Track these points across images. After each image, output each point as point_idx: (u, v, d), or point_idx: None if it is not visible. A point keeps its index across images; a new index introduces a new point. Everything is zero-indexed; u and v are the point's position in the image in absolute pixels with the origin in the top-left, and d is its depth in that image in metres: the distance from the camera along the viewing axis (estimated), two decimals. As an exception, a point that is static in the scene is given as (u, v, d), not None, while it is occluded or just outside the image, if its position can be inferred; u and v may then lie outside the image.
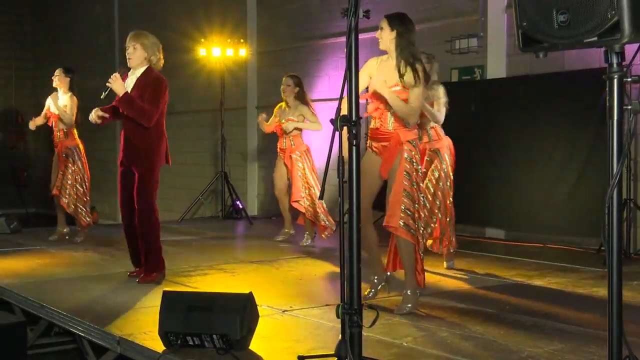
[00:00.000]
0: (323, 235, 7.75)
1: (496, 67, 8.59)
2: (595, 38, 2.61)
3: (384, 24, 4.83)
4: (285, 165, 7.94)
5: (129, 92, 5.61)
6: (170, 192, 12.06)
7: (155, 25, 13.13)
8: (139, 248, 5.83)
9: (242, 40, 11.49)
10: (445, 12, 9.21)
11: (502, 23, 8.56)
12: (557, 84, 7.87)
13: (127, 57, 5.72)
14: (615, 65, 2.68)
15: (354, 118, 3.37)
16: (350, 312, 3.33)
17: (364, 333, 3.43)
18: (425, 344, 4.08)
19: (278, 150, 8.04)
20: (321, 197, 3.51)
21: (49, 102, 7.98)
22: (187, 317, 3.83)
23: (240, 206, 10.83)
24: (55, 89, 7.99)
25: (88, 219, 8.10)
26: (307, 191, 7.70)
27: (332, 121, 3.38)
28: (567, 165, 7.69)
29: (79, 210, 7.99)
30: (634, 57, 2.71)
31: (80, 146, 8.00)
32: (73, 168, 7.94)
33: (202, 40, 11.34)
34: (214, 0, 12.63)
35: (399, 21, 4.80)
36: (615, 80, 2.68)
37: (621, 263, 2.70)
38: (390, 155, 4.84)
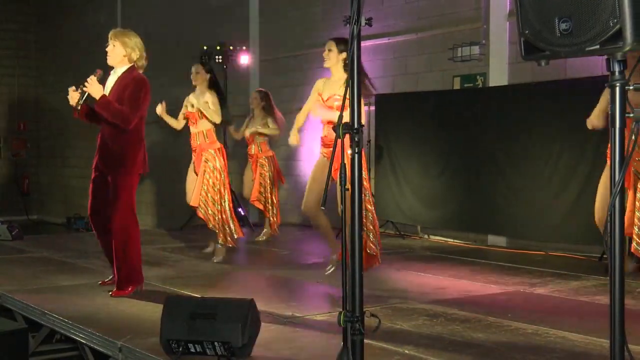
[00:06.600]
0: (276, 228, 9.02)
1: (498, 75, 8.60)
2: (597, 46, 2.60)
3: (332, 47, 5.67)
4: (252, 170, 9.08)
5: (108, 92, 5.32)
6: (172, 199, 12.05)
7: (158, 34, 13.20)
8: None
9: (244, 48, 11.50)
10: (448, 19, 9.22)
11: (505, 31, 8.57)
12: (559, 91, 7.86)
13: (107, 54, 5.43)
14: (617, 73, 2.68)
15: (356, 125, 3.37)
16: (352, 319, 3.33)
17: (366, 340, 3.42)
18: (427, 351, 4.08)
19: (248, 155, 9.18)
20: (323, 204, 3.53)
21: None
22: (189, 324, 3.82)
23: (243, 213, 10.82)
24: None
25: None
26: (264, 192, 8.90)
27: (334, 128, 3.38)
28: (569, 173, 7.68)
29: None
30: (635, 66, 2.71)
31: None
32: None
33: (205, 47, 11.34)
34: (217, 8, 12.65)
35: (344, 44, 5.52)
36: (617, 88, 2.68)
37: (623, 271, 2.69)
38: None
